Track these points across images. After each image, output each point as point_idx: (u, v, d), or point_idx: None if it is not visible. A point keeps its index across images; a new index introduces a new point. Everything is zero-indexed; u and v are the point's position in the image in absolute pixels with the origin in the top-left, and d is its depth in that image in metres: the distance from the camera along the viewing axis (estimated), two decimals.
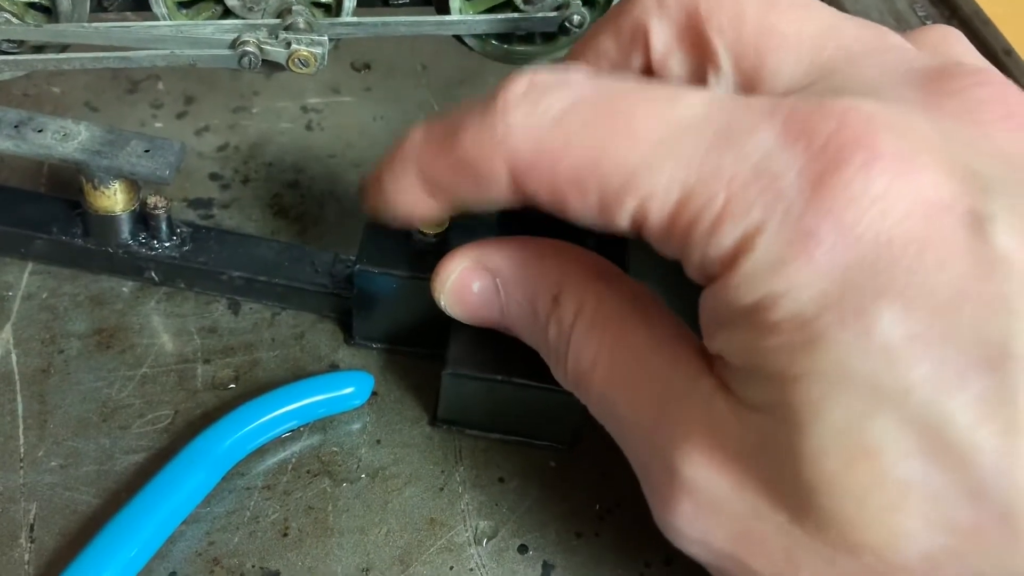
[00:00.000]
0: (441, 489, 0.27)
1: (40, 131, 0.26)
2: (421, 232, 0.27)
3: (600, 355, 0.22)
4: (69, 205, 0.30)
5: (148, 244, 0.29)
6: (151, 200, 0.28)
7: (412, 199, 0.23)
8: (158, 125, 0.35)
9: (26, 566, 0.24)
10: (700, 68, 0.22)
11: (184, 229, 0.30)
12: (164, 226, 0.29)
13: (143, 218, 0.29)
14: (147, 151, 0.27)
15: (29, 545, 0.25)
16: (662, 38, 0.22)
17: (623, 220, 0.19)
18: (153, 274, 0.30)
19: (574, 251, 0.24)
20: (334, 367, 0.30)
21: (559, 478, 0.28)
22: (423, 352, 0.30)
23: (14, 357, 0.28)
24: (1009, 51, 0.38)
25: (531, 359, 0.25)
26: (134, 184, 0.28)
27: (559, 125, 0.19)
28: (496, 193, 0.21)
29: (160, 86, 0.36)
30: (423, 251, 0.28)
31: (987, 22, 0.39)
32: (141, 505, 0.25)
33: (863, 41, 0.21)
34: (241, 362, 0.29)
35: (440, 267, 0.25)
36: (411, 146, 0.23)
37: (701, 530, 0.20)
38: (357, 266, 0.27)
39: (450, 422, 0.28)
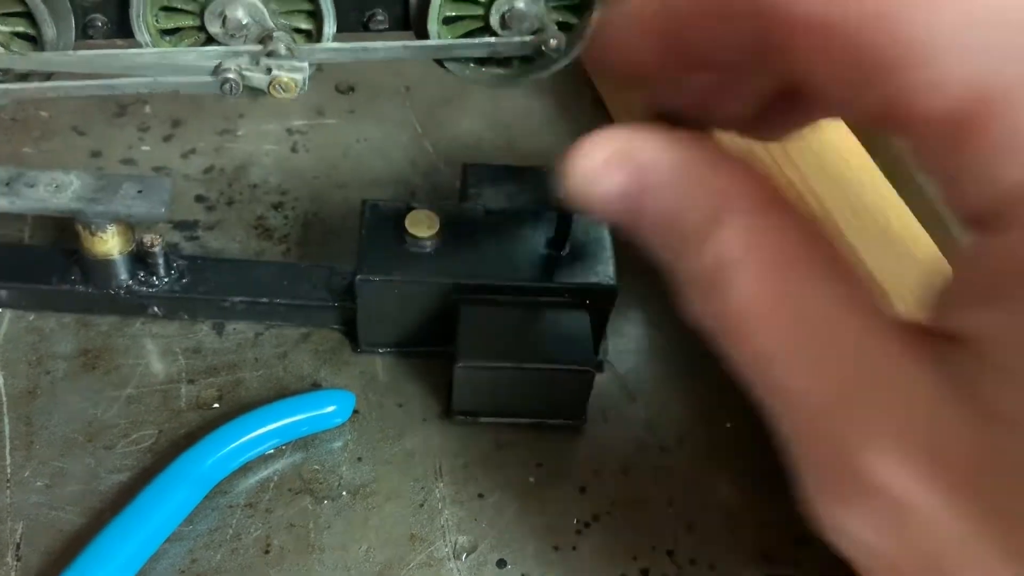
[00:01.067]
0: (421, 505, 0.28)
1: (32, 185, 0.27)
2: (415, 237, 0.28)
3: (778, 305, 0.17)
4: (63, 253, 0.30)
5: (148, 281, 0.30)
6: (147, 239, 0.29)
7: (643, 49, 0.19)
8: (145, 148, 0.36)
9: None
10: None
11: (180, 262, 0.30)
12: (161, 262, 0.29)
13: (140, 257, 0.29)
14: (140, 192, 0.27)
15: (16, 564, 0.25)
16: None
17: (880, 97, 0.15)
18: (156, 309, 0.30)
19: (746, 166, 0.18)
20: (316, 386, 0.30)
21: (538, 493, 0.28)
22: (428, 351, 0.31)
23: (1, 379, 0.29)
24: None
25: (539, 342, 0.27)
26: (129, 225, 0.28)
27: None
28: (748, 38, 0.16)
29: (147, 109, 0.37)
30: (419, 255, 0.29)
31: None
32: (125, 524, 0.25)
33: None
34: (225, 382, 0.30)
35: (578, 150, 0.19)
36: None
37: (875, 537, 0.16)
38: (358, 276, 0.28)
39: (465, 413, 0.29)
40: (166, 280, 0.30)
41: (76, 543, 0.25)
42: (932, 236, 0.30)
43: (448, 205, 0.31)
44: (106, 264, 0.29)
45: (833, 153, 0.32)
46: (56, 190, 0.27)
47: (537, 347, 0.28)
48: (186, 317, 0.31)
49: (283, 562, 0.26)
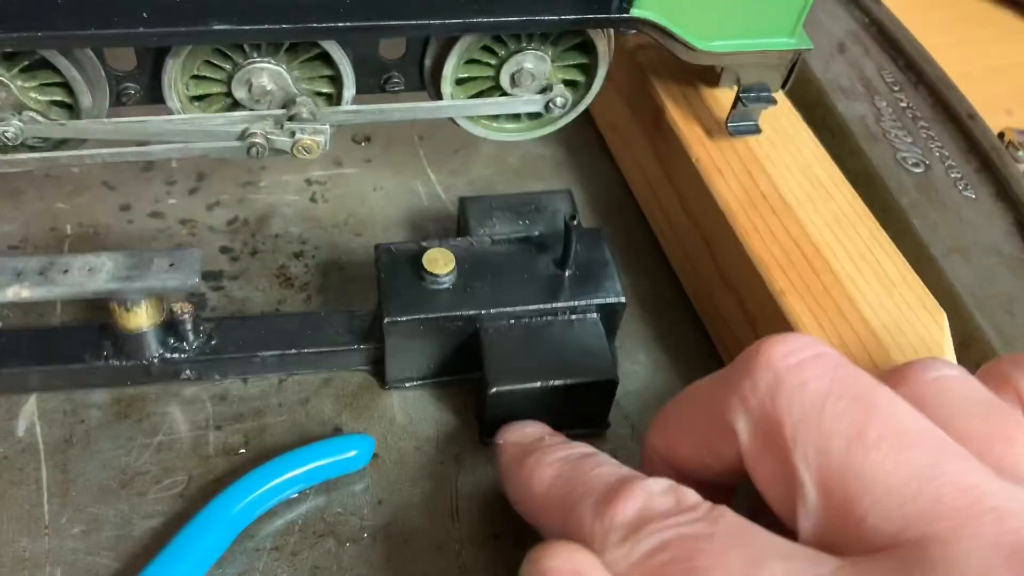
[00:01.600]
0: (439, 547, 0.29)
1: (66, 271, 0.28)
2: (433, 274, 0.30)
3: None
4: (94, 329, 0.31)
5: (179, 348, 0.31)
6: (177, 307, 0.30)
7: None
8: (172, 201, 0.37)
9: None
10: (789, 488, 0.21)
11: (206, 324, 0.31)
12: (190, 328, 0.30)
13: (170, 325, 0.30)
14: (172, 265, 0.28)
15: None
16: (749, 445, 0.22)
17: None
18: (189, 373, 0.31)
19: None
20: (338, 430, 0.31)
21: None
22: (450, 380, 0.32)
23: (38, 428, 0.30)
24: (973, 115, 0.40)
25: (562, 358, 0.30)
26: (159, 297, 0.29)
27: None
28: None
29: (173, 164, 0.39)
30: (439, 291, 0.31)
31: (951, 86, 0.41)
32: (157, 570, 0.26)
33: (959, 497, 0.19)
34: (250, 428, 0.31)
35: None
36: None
37: None
38: (386, 319, 0.30)
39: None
40: (196, 344, 0.31)
41: None
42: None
43: (457, 241, 0.32)
44: (138, 337, 0.30)
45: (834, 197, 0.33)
46: (90, 273, 0.28)
47: (561, 363, 0.30)
48: (218, 378, 0.32)
49: None
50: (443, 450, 0.31)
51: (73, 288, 0.28)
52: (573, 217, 0.31)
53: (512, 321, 0.31)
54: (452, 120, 0.33)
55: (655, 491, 0.22)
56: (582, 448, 0.26)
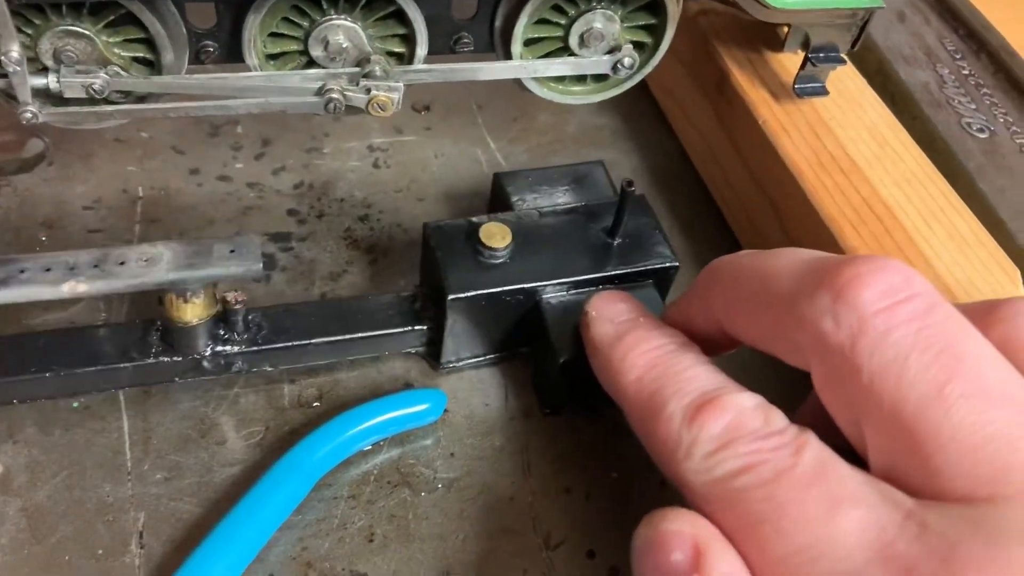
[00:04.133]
0: (511, 499, 0.29)
1: (122, 263, 0.26)
2: (491, 248, 0.30)
3: None
4: (141, 327, 0.29)
5: (230, 339, 0.29)
6: (230, 296, 0.28)
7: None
8: (239, 166, 0.38)
9: (137, 570, 0.26)
10: (860, 427, 0.21)
11: (254, 315, 0.30)
12: (241, 319, 0.29)
13: (222, 317, 0.29)
14: (232, 251, 0.27)
15: (139, 551, 0.27)
16: (821, 376, 0.22)
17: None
18: (241, 364, 0.30)
19: None
20: (408, 386, 0.32)
21: (622, 487, 0.30)
22: (502, 356, 0.32)
23: None
24: None
25: None
26: (212, 287, 0.28)
27: None
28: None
29: (239, 129, 0.39)
30: (497, 266, 0.30)
31: (1013, 54, 0.41)
32: (241, 514, 0.27)
33: None
34: (324, 382, 0.31)
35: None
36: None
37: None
38: (449, 296, 0.29)
39: (556, 407, 0.31)
40: (246, 335, 0.30)
41: (195, 532, 0.27)
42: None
43: (505, 215, 0.32)
44: (190, 330, 0.28)
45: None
46: (148, 264, 0.26)
47: None
48: (269, 368, 0.30)
49: (386, 550, 0.28)
50: (512, 406, 0.32)
51: (133, 280, 0.26)
52: (631, 184, 0.30)
53: (570, 292, 0.31)
54: (518, 83, 0.34)
55: (746, 407, 0.22)
56: (677, 337, 0.26)
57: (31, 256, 0.26)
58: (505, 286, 0.30)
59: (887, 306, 0.21)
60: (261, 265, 0.27)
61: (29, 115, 0.27)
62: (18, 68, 0.26)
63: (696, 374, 0.24)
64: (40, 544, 0.26)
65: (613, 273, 0.31)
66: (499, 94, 0.42)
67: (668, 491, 0.29)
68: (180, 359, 0.29)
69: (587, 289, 0.31)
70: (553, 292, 0.31)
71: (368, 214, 0.37)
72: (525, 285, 0.30)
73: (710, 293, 0.26)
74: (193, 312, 0.28)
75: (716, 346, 0.27)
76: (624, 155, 0.41)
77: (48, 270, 0.26)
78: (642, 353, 0.25)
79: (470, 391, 0.32)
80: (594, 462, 0.30)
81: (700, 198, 0.39)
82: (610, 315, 0.28)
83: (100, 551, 0.27)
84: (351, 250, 0.36)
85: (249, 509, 0.27)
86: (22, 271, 0.26)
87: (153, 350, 0.29)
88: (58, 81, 0.27)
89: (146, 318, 0.30)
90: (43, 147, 0.37)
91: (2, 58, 0.25)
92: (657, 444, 0.24)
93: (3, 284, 0.25)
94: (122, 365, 0.29)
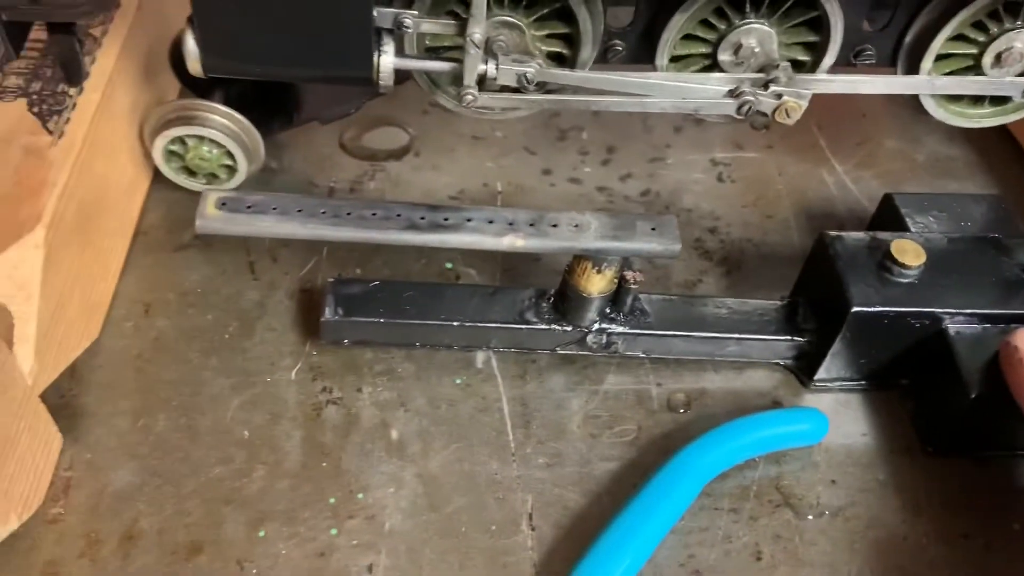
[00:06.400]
0: (904, 538, 0.27)
1: (555, 225, 0.27)
2: (904, 266, 0.28)
3: None
4: (530, 293, 0.30)
5: (616, 319, 0.30)
6: (629, 275, 0.29)
7: None
8: (587, 170, 0.38)
9: (529, 551, 0.26)
10: None
11: (639, 300, 0.30)
12: (630, 300, 0.30)
13: (615, 296, 0.29)
14: (653, 229, 0.28)
15: (530, 532, 0.27)
16: None
17: None
18: (620, 346, 0.30)
19: None
20: (777, 403, 0.31)
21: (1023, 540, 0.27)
22: (880, 384, 0.30)
23: (494, 362, 0.31)
24: None
25: None
26: (619, 264, 0.29)
27: None
28: None
29: (584, 136, 0.40)
30: (906, 285, 0.29)
31: None
32: (635, 514, 0.26)
33: None
34: (690, 388, 0.31)
35: None
36: None
37: None
38: (854, 308, 0.28)
39: (956, 444, 0.29)
40: (631, 317, 0.30)
41: (579, 522, 0.27)
42: None
43: (911, 235, 0.30)
44: (586, 301, 0.29)
45: None
46: (577, 230, 0.27)
47: None
48: (641, 355, 0.31)
49: (775, 572, 0.26)
50: (892, 440, 0.30)
51: (564, 243, 0.27)
52: None
53: (982, 325, 0.29)
54: (915, 98, 0.32)
55: None
56: None
57: (476, 208, 0.28)
58: (913, 307, 0.28)
59: None
60: (679, 246, 0.27)
61: (471, 97, 0.28)
62: (479, 50, 0.27)
63: None
64: (437, 512, 0.27)
65: None
66: (840, 116, 0.41)
67: None
68: (569, 329, 0.30)
69: (1000, 325, 0.28)
70: (962, 322, 0.28)
71: (717, 226, 0.36)
72: (935, 309, 0.28)
73: None
74: (598, 284, 0.29)
75: None
76: (983, 189, 0.39)
77: (491, 222, 0.27)
78: None
79: (842, 417, 0.30)
80: (991, 510, 0.28)
81: None
82: None
83: (493, 527, 0.27)
84: (703, 260, 0.35)
85: (643, 511, 0.26)
86: (469, 219, 0.27)
87: (546, 316, 0.30)
88: (496, 68, 0.28)
89: (537, 287, 0.31)
90: (408, 139, 0.39)
91: (469, 38, 0.27)
92: None
93: (453, 229, 0.27)
94: (517, 326, 0.30)
